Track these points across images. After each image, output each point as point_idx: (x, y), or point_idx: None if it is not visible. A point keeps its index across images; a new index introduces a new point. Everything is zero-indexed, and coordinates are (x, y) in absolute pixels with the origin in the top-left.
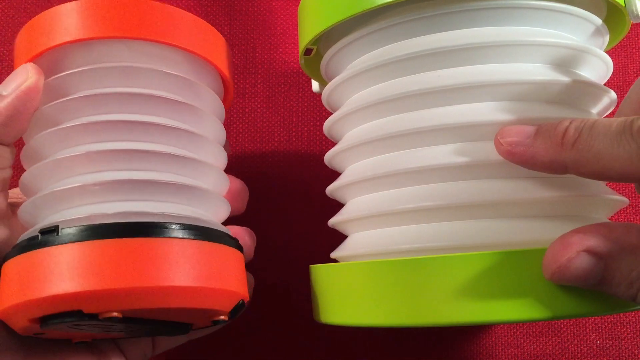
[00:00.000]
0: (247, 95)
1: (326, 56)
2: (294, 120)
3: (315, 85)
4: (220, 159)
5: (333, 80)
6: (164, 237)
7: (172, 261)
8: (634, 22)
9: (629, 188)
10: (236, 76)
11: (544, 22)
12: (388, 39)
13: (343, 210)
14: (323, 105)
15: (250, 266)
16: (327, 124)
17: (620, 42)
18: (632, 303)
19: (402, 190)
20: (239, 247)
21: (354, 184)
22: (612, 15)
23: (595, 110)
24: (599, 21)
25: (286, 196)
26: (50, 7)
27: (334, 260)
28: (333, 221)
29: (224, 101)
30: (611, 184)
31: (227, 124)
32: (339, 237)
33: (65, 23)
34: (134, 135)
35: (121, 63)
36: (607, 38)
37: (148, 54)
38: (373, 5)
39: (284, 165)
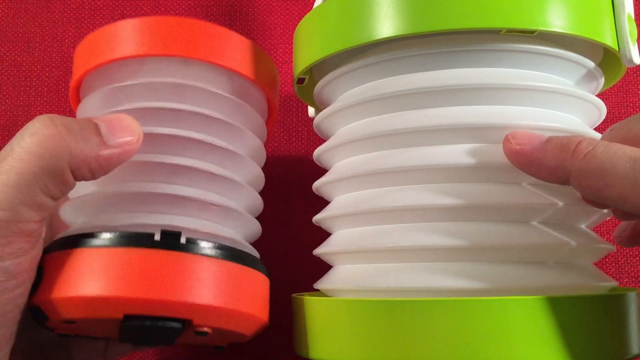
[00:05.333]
0: None
1: (318, 86)
2: (294, 120)
3: (311, 111)
4: (258, 181)
5: (322, 112)
6: (211, 256)
7: (211, 280)
8: (628, 66)
9: None
10: None
11: (534, 65)
12: (379, 73)
13: (327, 242)
14: None
15: None
16: (316, 153)
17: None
18: None
19: (384, 227)
20: (266, 272)
21: (339, 217)
22: (608, 58)
23: None
24: (591, 64)
25: (286, 196)
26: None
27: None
28: (318, 252)
29: (267, 123)
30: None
31: None
32: None
33: (128, 38)
34: (178, 150)
35: (171, 79)
36: (602, 81)
37: (199, 73)
38: (365, 41)
39: (284, 165)
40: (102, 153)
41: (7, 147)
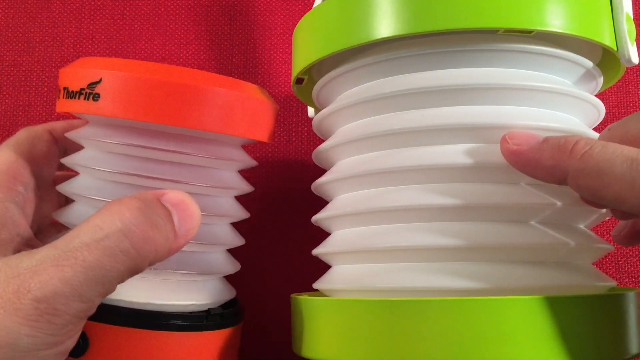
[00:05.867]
0: None
1: (317, 86)
2: (294, 120)
3: (310, 111)
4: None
5: (321, 112)
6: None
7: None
8: (627, 66)
9: None
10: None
11: (532, 65)
12: (377, 73)
13: (326, 242)
14: None
15: (250, 265)
16: (314, 153)
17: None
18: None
19: (383, 227)
20: (236, 319)
21: (338, 217)
22: (607, 58)
23: None
24: (589, 64)
25: (285, 196)
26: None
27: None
28: (317, 252)
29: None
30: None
31: None
32: None
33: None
34: None
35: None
36: (601, 80)
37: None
38: (363, 41)
39: (284, 165)
40: (174, 246)
41: (93, 226)
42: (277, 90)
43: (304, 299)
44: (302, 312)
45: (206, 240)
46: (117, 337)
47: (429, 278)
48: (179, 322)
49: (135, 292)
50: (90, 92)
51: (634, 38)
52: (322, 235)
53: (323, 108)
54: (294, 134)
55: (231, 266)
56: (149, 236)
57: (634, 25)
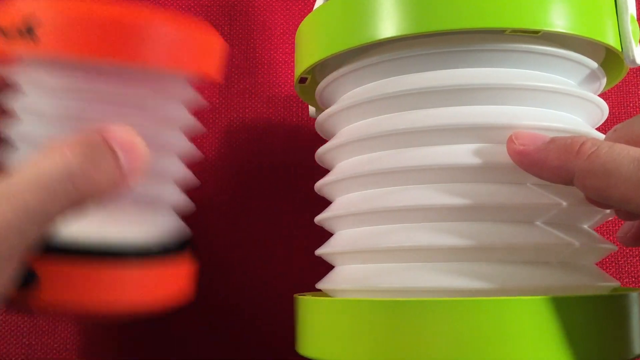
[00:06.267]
0: (247, 95)
1: (320, 85)
2: (294, 120)
3: (312, 111)
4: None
5: (324, 112)
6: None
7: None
8: (630, 67)
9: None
10: (236, 76)
11: (538, 65)
12: (381, 73)
13: (329, 242)
14: None
15: (251, 265)
16: (318, 153)
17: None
18: None
19: (387, 227)
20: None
21: (341, 218)
22: (610, 58)
23: None
24: (594, 65)
25: (287, 196)
26: None
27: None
28: (320, 252)
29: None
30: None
31: (227, 124)
32: None
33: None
34: None
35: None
36: (604, 81)
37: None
38: (367, 41)
39: (284, 165)
40: (120, 185)
41: (34, 166)
42: (277, 90)
43: (307, 299)
44: (305, 312)
45: (154, 174)
46: (67, 273)
47: (433, 278)
48: (129, 255)
49: (85, 227)
50: (26, 31)
51: (638, 39)
52: (324, 235)
53: (326, 108)
54: (294, 134)
55: (181, 201)
56: (92, 177)
57: (637, 27)
